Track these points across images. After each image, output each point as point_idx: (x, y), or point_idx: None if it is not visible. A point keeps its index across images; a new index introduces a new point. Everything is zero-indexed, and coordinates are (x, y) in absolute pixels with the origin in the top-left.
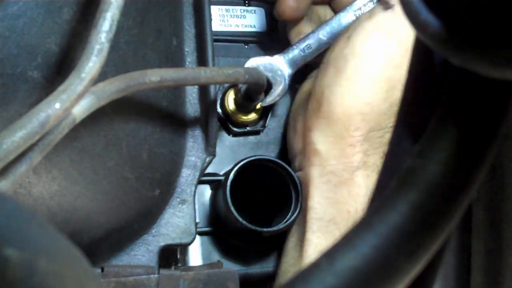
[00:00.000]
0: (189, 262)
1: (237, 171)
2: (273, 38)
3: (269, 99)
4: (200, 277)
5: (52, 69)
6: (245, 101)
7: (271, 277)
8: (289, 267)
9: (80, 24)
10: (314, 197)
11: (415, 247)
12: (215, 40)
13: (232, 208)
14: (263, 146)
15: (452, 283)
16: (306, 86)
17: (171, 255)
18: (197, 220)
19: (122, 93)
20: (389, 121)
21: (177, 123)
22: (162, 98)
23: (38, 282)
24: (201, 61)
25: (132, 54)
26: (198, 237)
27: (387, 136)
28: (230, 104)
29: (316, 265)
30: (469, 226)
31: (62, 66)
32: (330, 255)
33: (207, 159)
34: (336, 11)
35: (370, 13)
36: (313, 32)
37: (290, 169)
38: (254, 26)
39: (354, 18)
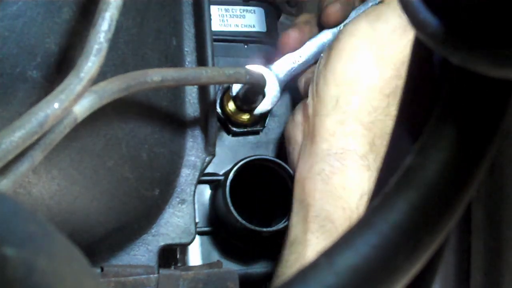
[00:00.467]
0: (189, 262)
1: (236, 171)
2: (273, 38)
3: (262, 108)
4: (199, 277)
5: (52, 69)
6: (245, 102)
7: (271, 277)
8: (287, 268)
9: (80, 24)
10: (310, 192)
11: (414, 246)
12: (215, 40)
13: (232, 208)
14: (262, 146)
15: (452, 283)
16: (303, 80)
17: (171, 255)
18: (197, 220)
19: (123, 93)
20: (384, 103)
21: (176, 123)
22: (162, 98)
23: (37, 281)
24: (201, 61)
25: (131, 54)
26: (197, 237)
27: (388, 123)
28: (230, 104)
29: (315, 264)
30: (469, 226)
31: (61, 66)
32: (329, 254)
33: (207, 159)
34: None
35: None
36: (305, 42)
37: (289, 169)
38: (254, 26)
39: None
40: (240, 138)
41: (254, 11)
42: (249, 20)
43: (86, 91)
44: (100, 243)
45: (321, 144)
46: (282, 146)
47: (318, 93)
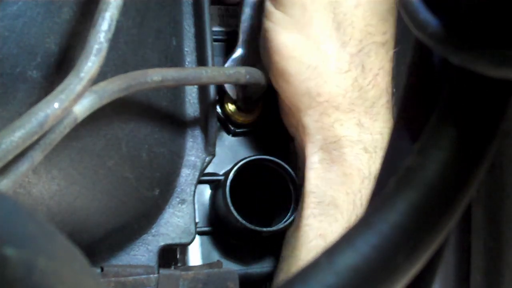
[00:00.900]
0: (189, 262)
1: (236, 171)
2: None
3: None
4: (199, 277)
5: (52, 69)
6: (245, 102)
7: (271, 277)
8: (289, 253)
9: (80, 24)
10: (311, 180)
11: (414, 246)
12: (215, 40)
13: (232, 208)
14: (263, 146)
15: (451, 283)
16: None
17: (171, 255)
18: (197, 220)
19: (124, 92)
20: (350, 81)
21: (176, 123)
22: (162, 98)
23: (37, 281)
24: (201, 60)
25: (131, 54)
26: (197, 237)
27: (363, 96)
28: (230, 104)
29: (315, 264)
30: (469, 226)
31: (61, 66)
32: (329, 254)
33: (207, 159)
34: None
35: None
36: None
37: (290, 169)
38: None
39: None
40: (240, 138)
41: None
42: None
43: (86, 91)
44: (100, 243)
45: (314, 137)
46: (282, 146)
47: (284, 91)
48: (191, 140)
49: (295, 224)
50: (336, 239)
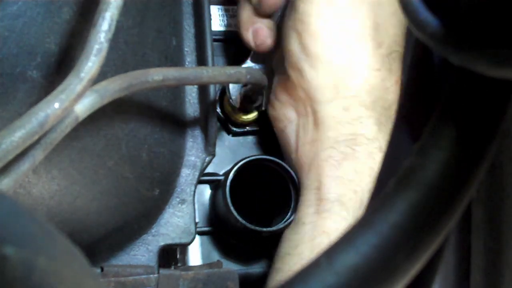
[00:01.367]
0: (189, 262)
1: (236, 171)
2: None
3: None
4: (199, 277)
5: (52, 69)
6: (245, 101)
7: None
8: (290, 248)
9: (80, 24)
10: (316, 176)
11: (414, 246)
12: (215, 40)
13: (232, 208)
14: (262, 146)
15: (452, 283)
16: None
17: (171, 255)
18: (197, 220)
19: (124, 92)
20: (379, 78)
21: (176, 123)
22: (162, 98)
23: (37, 280)
24: (201, 60)
25: (131, 54)
26: (197, 237)
27: (387, 97)
28: (230, 104)
29: (315, 264)
30: (469, 225)
31: (61, 66)
32: (329, 254)
33: (207, 159)
34: None
35: None
36: None
37: (290, 169)
38: None
39: None
40: (240, 138)
41: None
42: None
43: (87, 91)
44: (100, 243)
45: (328, 132)
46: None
47: (307, 79)
48: (191, 140)
49: (296, 221)
50: (337, 239)
